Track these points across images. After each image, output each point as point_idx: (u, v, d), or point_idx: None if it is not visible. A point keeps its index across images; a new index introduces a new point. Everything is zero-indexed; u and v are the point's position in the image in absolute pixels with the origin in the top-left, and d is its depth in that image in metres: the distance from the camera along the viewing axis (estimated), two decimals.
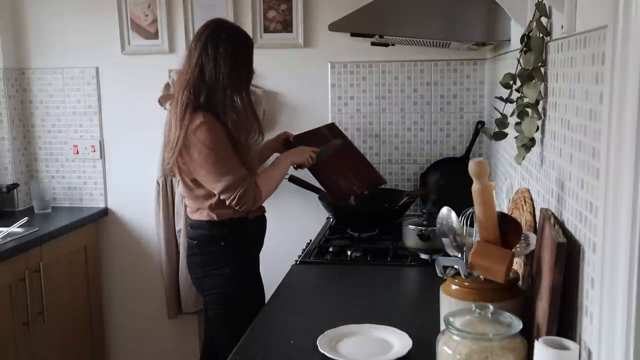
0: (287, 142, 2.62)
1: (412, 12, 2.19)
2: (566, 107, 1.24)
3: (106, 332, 3.25)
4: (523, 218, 1.50)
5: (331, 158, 2.52)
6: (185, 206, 2.38)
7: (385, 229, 2.53)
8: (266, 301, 1.95)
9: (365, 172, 2.65)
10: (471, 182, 1.30)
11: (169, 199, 2.96)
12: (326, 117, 2.90)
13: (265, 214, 2.36)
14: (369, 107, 2.90)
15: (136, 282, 3.19)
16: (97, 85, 3.09)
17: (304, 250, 2.36)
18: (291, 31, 2.88)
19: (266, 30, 2.89)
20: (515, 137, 1.53)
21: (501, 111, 1.58)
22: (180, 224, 2.90)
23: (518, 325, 1.16)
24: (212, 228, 2.20)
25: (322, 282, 2.14)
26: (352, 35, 2.27)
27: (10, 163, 3.08)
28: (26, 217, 2.85)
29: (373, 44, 2.55)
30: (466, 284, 1.32)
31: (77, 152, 3.15)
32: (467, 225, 1.42)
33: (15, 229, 2.72)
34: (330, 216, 2.77)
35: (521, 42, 1.49)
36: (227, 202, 2.12)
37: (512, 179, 1.95)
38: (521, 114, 1.46)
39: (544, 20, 1.41)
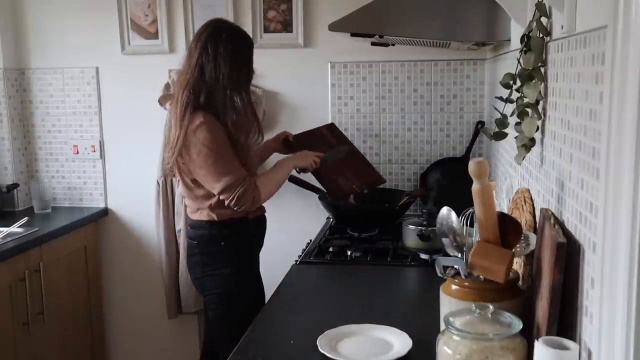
0: (286, 142, 2.62)
1: (412, 12, 2.19)
2: (566, 107, 1.24)
3: (106, 332, 3.25)
4: (523, 218, 1.50)
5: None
6: (185, 206, 2.38)
7: (385, 229, 2.53)
8: (266, 301, 1.95)
9: (365, 171, 2.65)
10: (471, 182, 1.30)
11: (169, 199, 2.96)
12: (326, 117, 2.90)
13: (265, 214, 2.36)
14: (369, 107, 2.90)
15: (136, 282, 3.19)
16: (97, 85, 3.09)
17: (304, 250, 2.36)
18: (291, 31, 2.88)
19: (266, 30, 2.89)
20: (515, 137, 1.53)
21: (501, 111, 1.58)
22: (180, 224, 2.90)
23: (518, 325, 1.16)
24: (212, 228, 2.20)
25: (322, 282, 2.14)
26: (352, 35, 2.27)
27: (10, 163, 3.08)
28: (26, 217, 2.85)
29: (373, 44, 2.55)
30: (466, 284, 1.32)
31: (77, 152, 3.15)
32: (467, 225, 1.42)
33: (15, 229, 2.72)
34: (330, 216, 2.76)
35: (521, 42, 1.49)
36: (226, 203, 2.12)
37: (512, 179, 1.95)
38: (521, 114, 1.46)
39: (544, 20, 1.41)
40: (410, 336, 1.51)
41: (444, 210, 1.40)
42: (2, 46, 3.01)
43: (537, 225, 1.39)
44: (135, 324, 3.22)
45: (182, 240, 2.87)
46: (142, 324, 3.21)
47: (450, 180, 2.76)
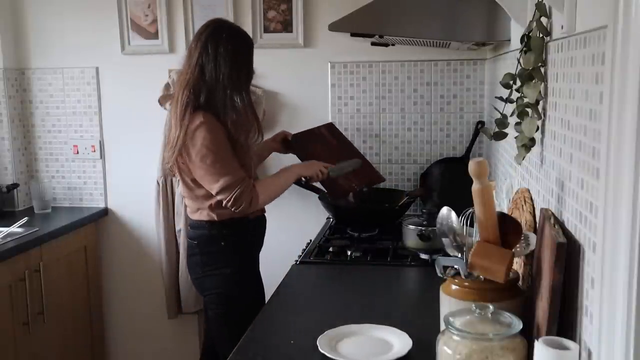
0: (285, 141, 2.62)
1: (412, 12, 2.19)
2: (566, 107, 1.24)
3: (106, 332, 3.25)
4: (523, 218, 1.50)
5: (331, 160, 2.52)
6: (185, 206, 2.38)
7: (385, 229, 2.53)
8: (266, 301, 1.95)
9: (364, 170, 2.65)
10: (471, 182, 1.30)
11: (169, 199, 2.96)
12: (326, 117, 2.90)
13: (265, 214, 2.36)
14: (369, 107, 2.90)
15: (136, 282, 3.19)
16: (97, 85, 3.09)
17: (304, 250, 2.36)
18: (291, 31, 2.88)
19: (266, 30, 2.89)
20: (515, 137, 1.53)
21: (501, 111, 1.58)
22: (180, 224, 2.90)
23: (518, 325, 1.16)
24: (212, 228, 2.20)
25: (322, 282, 2.14)
26: (352, 35, 2.27)
27: (10, 163, 3.08)
28: (26, 217, 2.85)
29: (373, 44, 2.55)
30: (466, 284, 1.32)
31: (77, 152, 3.15)
32: (467, 225, 1.42)
33: (15, 229, 2.72)
34: (330, 216, 2.76)
35: (521, 42, 1.49)
36: (224, 203, 2.12)
37: (512, 179, 1.95)
38: (521, 114, 1.46)
39: (544, 20, 1.41)
40: (410, 336, 1.51)
41: (444, 210, 1.40)
42: (2, 46, 3.01)
43: (537, 225, 1.39)
44: (135, 324, 3.22)
45: (182, 240, 2.87)
46: (142, 324, 3.21)
47: (450, 180, 2.76)
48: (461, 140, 2.87)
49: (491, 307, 1.19)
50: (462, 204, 1.44)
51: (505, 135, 1.61)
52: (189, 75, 2.12)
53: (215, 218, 2.18)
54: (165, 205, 2.95)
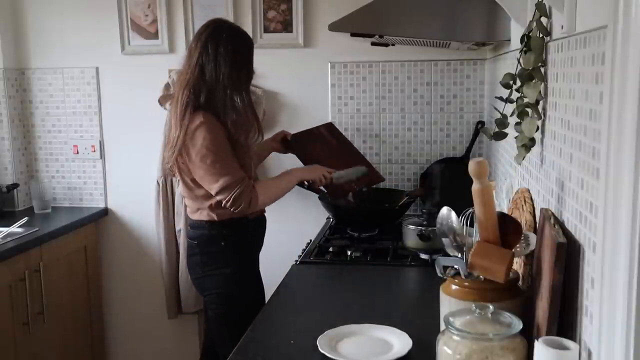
0: (285, 141, 2.62)
1: (412, 12, 2.19)
2: (566, 107, 1.24)
3: (106, 332, 3.25)
4: (523, 218, 1.50)
5: (330, 160, 2.52)
6: (185, 206, 2.38)
7: (385, 229, 2.53)
8: (266, 301, 1.95)
9: None
10: (471, 182, 1.30)
11: (169, 199, 2.96)
12: (326, 117, 2.90)
13: (265, 214, 2.36)
14: (369, 107, 2.90)
15: (136, 282, 3.19)
16: (97, 85, 3.09)
17: (304, 250, 2.36)
18: (291, 31, 2.88)
19: (266, 30, 2.89)
20: (515, 137, 1.53)
21: (501, 111, 1.58)
22: (180, 224, 2.90)
23: (518, 325, 1.16)
24: (212, 228, 2.19)
25: (322, 282, 2.14)
26: (352, 35, 2.27)
27: (10, 163, 3.08)
28: (26, 217, 2.85)
29: (373, 44, 2.55)
30: (466, 284, 1.32)
31: (77, 152, 3.15)
32: (467, 225, 1.42)
33: (15, 229, 2.72)
34: (330, 216, 2.76)
35: (521, 42, 1.49)
36: (223, 203, 2.11)
37: (512, 179, 1.95)
38: (521, 114, 1.46)
39: (544, 20, 1.41)
40: (410, 336, 1.51)
41: (444, 210, 1.40)
42: (2, 46, 3.01)
43: (537, 225, 1.39)
44: (135, 324, 3.22)
45: (182, 240, 2.87)
46: (142, 324, 3.21)
47: (450, 180, 2.76)
48: (461, 140, 2.87)
49: (491, 307, 1.19)
50: (462, 204, 1.44)
51: (505, 135, 1.61)
52: (189, 75, 2.12)
53: (215, 218, 2.18)
54: (165, 205, 2.95)
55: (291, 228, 2.91)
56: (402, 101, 2.87)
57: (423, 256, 2.19)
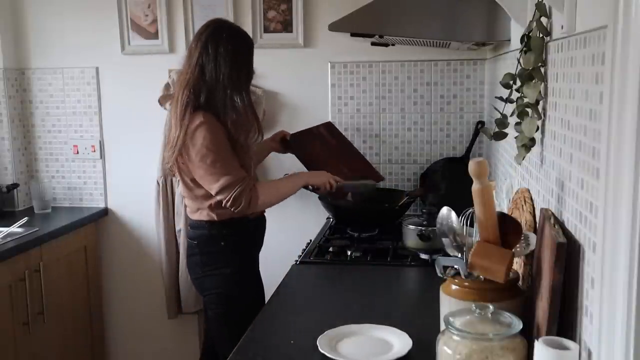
0: (284, 141, 2.62)
1: (412, 12, 2.19)
2: (566, 107, 1.24)
3: (106, 332, 3.25)
4: (523, 218, 1.50)
5: (330, 159, 2.51)
6: (185, 206, 2.38)
7: (385, 229, 2.53)
8: (266, 301, 1.95)
9: (363, 169, 2.65)
10: (471, 182, 1.30)
11: (169, 199, 2.96)
12: (326, 117, 2.90)
13: (265, 214, 2.36)
14: (369, 107, 2.90)
15: (136, 282, 3.19)
16: (97, 85, 3.09)
17: (304, 250, 2.36)
18: (291, 31, 2.88)
19: (266, 30, 2.89)
20: (515, 137, 1.53)
21: (501, 111, 1.58)
22: (180, 224, 2.90)
23: (518, 325, 1.16)
24: (212, 228, 2.19)
25: (322, 282, 2.14)
26: (352, 35, 2.27)
27: (10, 163, 3.08)
28: (26, 217, 2.85)
29: (373, 44, 2.55)
30: (466, 284, 1.32)
31: (77, 152, 3.15)
32: (467, 225, 1.42)
33: (15, 229, 2.72)
34: (330, 216, 2.76)
35: (521, 42, 1.49)
36: (223, 203, 2.11)
37: (512, 179, 1.95)
38: (521, 114, 1.46)
39: (544, 20, 1.41)
40: (410, 336, 1.51)
41: (444, 210, 1.40)
42: (2, 46, 3.01)
43: (537, 225, 1.39)
44: (135, 324, 3.22)
45: (182, 240, 2.87)
46: (142, 324, 3.21)
47: (450, 180, 2.76)
48: (461, 140, 2.86)
49: (491, 307, 1.19)
50: (462, 204, 1.44)
51: (505, 135, 1.61)
52: (189, 75, 2.12)
53: (215, 218, 2.18)
54: (165, 205, 2.95)
55: (291, 228, 2.91)
56: (402, 101, 2.87)
57: (423, 256, 2.19)
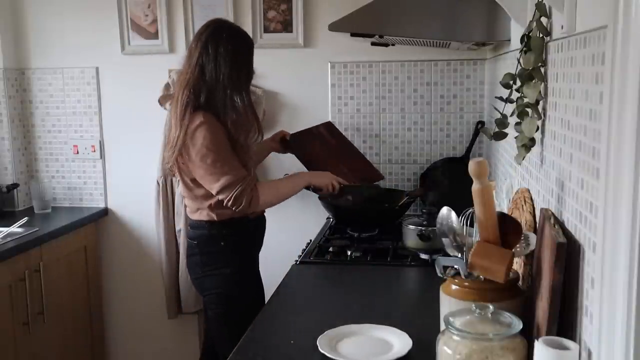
0: (284, 141, 2.62)
1: (412, 12, 2.19)
2: (566, 107, 1.24)
3: (106, 332, 3.25)
4: (523, 218, 1.50)
5: (330, 159, 2.51)
6: (185, 206, 2.38)
7: (385, 229, 2.53)
8: (266, 301, 1.95)
9: (362, 168, 2.65)
10: (471, 182, 1.30)
11: (169, 199, 2.96)
12: (326, 117, 2.90)
13: (265, 214, 2.36)
14: (369, 107, 2.90)
15: (136, 282, 3.19)
16: (97, 85, 3.09)
17: (304, 250, 2.36)
18: (291, 31, 2.88)
19: (266, 30, 2.89)
20: (515, 137, 1.53)
21: (501, 111, 1.58)
22: (180, 224, 2.90)
23: (518, 325, 1.16)
24: (212, 228, 2.19)
25: (322, 282, 2.14)
26: (352, 35, 2.27)
27: (10, 163, 3.08)
28: (26, 217, 2.85)
29: (373, 44, 2.55)
30: (466, 284, 1.32)
31: (77, 152, 3.15)
32: (467, 225, 1.41)
33: (15, 229, 2.72)
34: (330, 216, 2.76)
35: (521, 42, 1.49)
36: (224, 202, 2.11)
37: (512, 179, 1.95)
38: (521, 114, 1.46)
39: (544, 20, 1.41)
40: (410, 336, 1.51)
41: (444, 210, 1.39)
42: (2, 46, 3.01)
43: (537, 225, 1.39)
44: (135, 324, 3.22)
45: (182, 240, 2.87)
46: (142, 324, 3.21)
47: (450, 180, 2.76)
48: (461, 140, 2.86)
49: (491, 307, 1.19)
50: (462, 204, 1.44)
51: (505, 135, 1.61)
52: (189, 75, 2.12)
53: (215, 218, 2.18)
54: (165, 205, 2.95)
55: (291, 228, 2.91)
56: (402, 101, 2.87)
57: (423, 256, 2.19)
